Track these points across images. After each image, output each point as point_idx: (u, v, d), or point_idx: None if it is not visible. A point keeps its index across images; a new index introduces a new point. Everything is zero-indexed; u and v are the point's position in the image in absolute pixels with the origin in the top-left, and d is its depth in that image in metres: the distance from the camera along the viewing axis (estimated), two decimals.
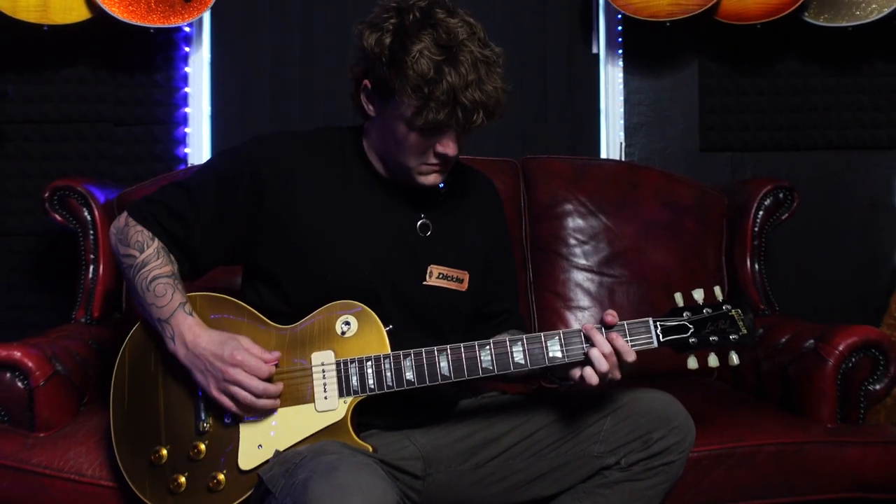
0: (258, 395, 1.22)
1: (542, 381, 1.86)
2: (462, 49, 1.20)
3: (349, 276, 1.30)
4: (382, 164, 1.36)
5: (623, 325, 1.25)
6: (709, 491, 1.56)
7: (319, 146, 1.38)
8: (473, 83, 1.19)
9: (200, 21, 2.28)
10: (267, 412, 1.25)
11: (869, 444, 1.62)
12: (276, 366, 1.25)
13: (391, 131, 1.28)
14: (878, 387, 1.68)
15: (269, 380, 1.23)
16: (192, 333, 1.24)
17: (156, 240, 1.31)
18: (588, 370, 1.23)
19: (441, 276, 1.36)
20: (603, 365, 1.22)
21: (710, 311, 1.27)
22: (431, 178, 1.31)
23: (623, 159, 2.40)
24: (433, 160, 1.28)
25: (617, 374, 1.24)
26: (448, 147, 1.26)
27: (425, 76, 1.18)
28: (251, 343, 1.24)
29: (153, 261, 1.30)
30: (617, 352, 1.23)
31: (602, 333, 1.24)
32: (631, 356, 1.23)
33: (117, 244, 1.35)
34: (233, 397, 1.22)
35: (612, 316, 1.25)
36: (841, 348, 1.65)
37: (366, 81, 1.29)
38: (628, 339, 1.25)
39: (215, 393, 1.23)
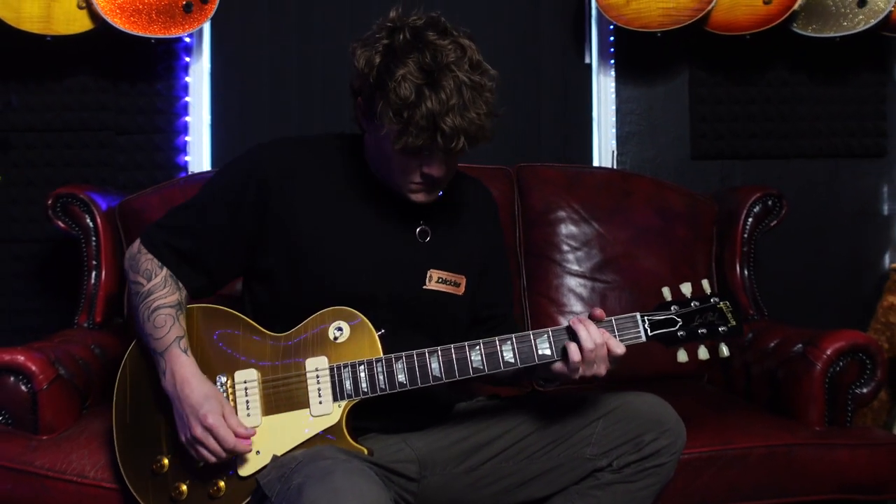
0: (219, 460, 1.23)
1: (536, 385, 1.89)
2: (446, 73, 1.17)
3: (349, 280, 1.32)
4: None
5: (611, 320, 1.27)
6: (700, 492, 1.58)
7: (320, 152, 1.39)
8: (455, 108, 1.17)
9: (200, 31, 2.29)
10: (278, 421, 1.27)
11: (856, 447, 1.64)
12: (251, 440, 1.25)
13: (379, 148, 1.29)
14: (865, 390, 1.70)
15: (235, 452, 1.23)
16: (181, 377, 1.25)
17: (164, 268, 1.32)
18: (572, 347, 1.23)
19: (440, 280, 1.37)
20: (588, 342, 1.22)
21: (697, 303, 1.27)
22: (420, 197, 1.31)
23: (615, 167, 2.41)
24: (419, 180, 1.28)
25: (602, 369, 1.25)
26: (433, 169, 1.25)
27: (406, 100, 1.16)
28: (231, 413, 1.24)
29: (159, 290, 1.31)
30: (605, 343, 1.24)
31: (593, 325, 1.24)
32: (620, 349, 1.24)
33: (128, 270, 1.36)
34: (197, 452, 1.24)
35: (600, 311, 1.26)
36: (829, 352, 1.67)
37: (359, 99, 1.30)
38: (616, 334, 1.26)
39: (182, 440, 1.25)
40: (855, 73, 2.46)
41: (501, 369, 1.28)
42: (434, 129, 1.18)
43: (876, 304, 2.44)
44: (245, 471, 1.26)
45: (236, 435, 1.22)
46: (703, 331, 1.27)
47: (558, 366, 1.27)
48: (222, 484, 1.26)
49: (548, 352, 1.27)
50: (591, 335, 1.23)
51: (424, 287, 1.36)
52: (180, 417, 1.25)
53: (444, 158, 1.25)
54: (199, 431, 1.22)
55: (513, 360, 1.27)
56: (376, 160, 1.34)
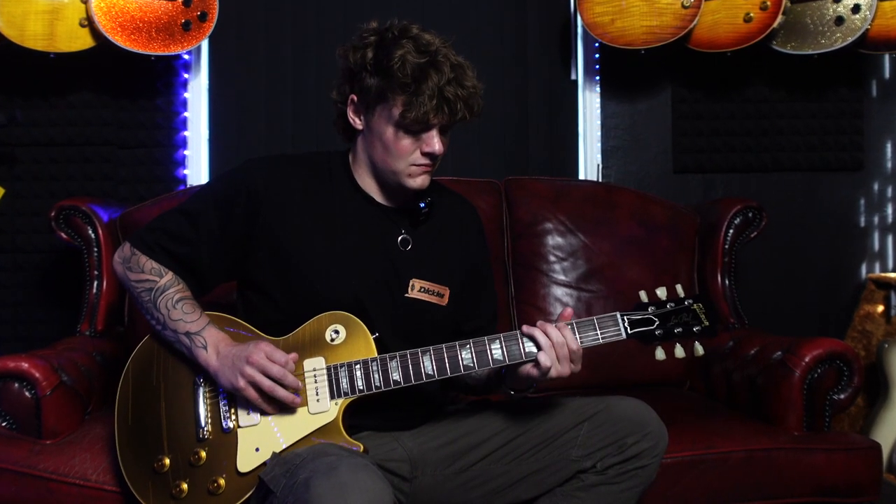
0: (277, 379, 1.27)
1: (505, 395, 1.89)
2: (439, 53, 1.32)
3: (336, 288, 1.37)
4: (372, 178, 1.43)
5: (592, 319, 1.32)
6: (681, 494, 1.61)
7: (309, 167, 1.45)
8: (453, 80, 1.31)
9: (199, 49, 2.34)
10: (287, 408, 1.30)
11: (833, 451, 1.67)
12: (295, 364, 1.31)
13: (380, 137, 1.36)
14: (842, 396, 1.74)
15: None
16: (225, 343, 1.32)
17: (168, 268, 1.38)
18: (542, 355, 1.28)
19: (422, 289, 1.42)
20: (550, 341, 1.28)
21: (673, 305, 1.33)
22: (419, 181, 1.38)
23: (600, 180, 2.45)
24: (421, 160, 1.36)
25: (566, 369, 1.29)
26: (434, 145, 1.34)
27: (411, 75, 1.29)
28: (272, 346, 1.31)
29: (176, 284, 1.37)
30: (565, 342, 1.28)
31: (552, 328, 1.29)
32: (574, 344, 1.29)
33: (126, 272, 1.40)
34: (257, 386, 1.27)
35: (569, 311, 1.32)
36: (807, 360, 1.71)
37: (352, 96, 1.38)
38: (598, 332, 1.31)
39: (241, 384, 1.28)
40: (832, 89, 2.51)
41: (490, 366, 1.32)
42: (440, 98, 1.30)
43: (853, 313, 2.50)
44: (244, 467, 1.29)
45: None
46: (679, 330, 1.32)
47: (528, 368, 1.31)
48: (222, 481, 1.28)
49: (533, 349, 1.31)
50: (552, 335, 1.28)
51: (406, 295, 1.41)
52: (231, 368, 1.28)
53: (441, 134, 1.35)
54: (253, 356, 1.26)
55: (501, 358, 1.31)
56: (374, 153, 1.39)
